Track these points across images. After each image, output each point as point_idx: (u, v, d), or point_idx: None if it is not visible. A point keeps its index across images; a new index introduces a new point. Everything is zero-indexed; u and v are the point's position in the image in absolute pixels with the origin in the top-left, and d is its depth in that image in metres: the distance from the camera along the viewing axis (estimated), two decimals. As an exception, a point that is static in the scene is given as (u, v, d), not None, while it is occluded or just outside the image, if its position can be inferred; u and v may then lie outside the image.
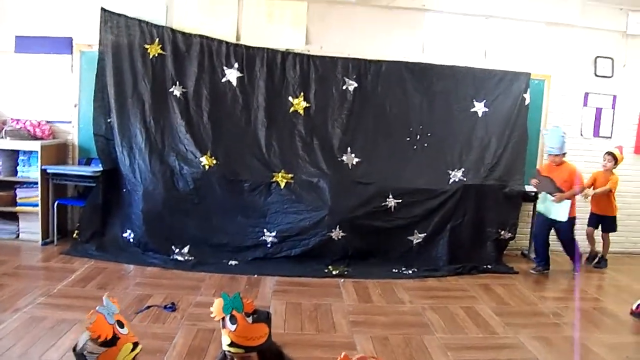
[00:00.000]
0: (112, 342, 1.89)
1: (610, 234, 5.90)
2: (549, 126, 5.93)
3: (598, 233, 5.93)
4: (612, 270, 5.77)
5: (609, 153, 5.70)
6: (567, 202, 5.25)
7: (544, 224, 5.50)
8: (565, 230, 5.44)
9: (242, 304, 2.45)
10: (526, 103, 5.87)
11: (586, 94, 6.33)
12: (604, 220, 5.85)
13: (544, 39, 6.16)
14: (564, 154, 5.34)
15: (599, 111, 6.37)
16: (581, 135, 6.36)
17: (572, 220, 5.38)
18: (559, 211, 5.28)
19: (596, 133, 6.39)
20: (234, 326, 2.45)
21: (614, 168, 5.69)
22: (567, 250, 5.63)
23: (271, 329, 2.42)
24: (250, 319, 2.40)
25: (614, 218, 5.83)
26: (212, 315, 2.40)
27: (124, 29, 5.48)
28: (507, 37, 6.13)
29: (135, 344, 2.02)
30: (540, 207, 5.56)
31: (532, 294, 4.83)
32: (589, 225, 5.93)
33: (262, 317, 2.53)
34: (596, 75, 6.31)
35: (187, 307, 4.01)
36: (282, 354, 2.49)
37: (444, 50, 6.04)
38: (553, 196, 5.26)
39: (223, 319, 2.45)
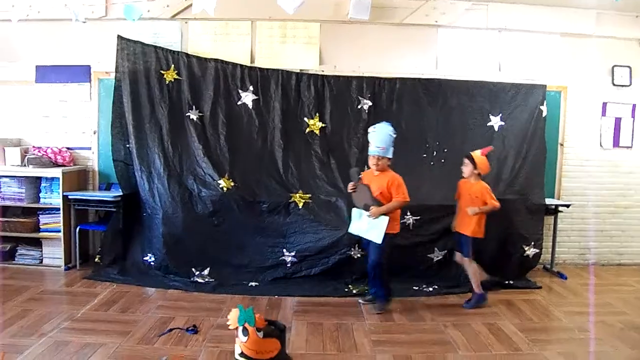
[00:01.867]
0: None
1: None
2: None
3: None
4: (637, 283, 5.65)
5: (467, 156, 4.68)
6: (385, 220, 4.27)
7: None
8: (377, 250, 4.36)
9: (254, 318, 2.51)
10: (543, 115, 5.81)
11: (604, 104, 6.24)
12: (460, 240, 4.72)
13: (559, 50, 6.11)
14: (389, 158, 4.41)
15: (618, 121, 6.27)
16: (601, 146, 6.26)
17: (391, 237, 4.38)
18: (374, 230, 4.31)
19: (616, 143, 6.28)
20: (245, 338, 2.50)
21: (478, 174, 4.61)
22: (374, 279, 4.55)
23: (285, 344, 2.44)
24: (261, 334, 2.46)
25: (471, 240, 4.61)
26: (227, 323, 2.47)
27: (140, 56, 5.58)
28: (521, 49, 6.10)
29: None
30: (353, 226, 4.56)
31: (556, 309, 4.74)
32: (456, 249, 4.88)
33: (275, 331, 2.56)
34: (614, 85, 6.22)
35: (209, 329, 4.01)
36: None
37: (458, 65, 6.04)
38: (369, 210, 4.34)
39: (237, 328, 2.53)
